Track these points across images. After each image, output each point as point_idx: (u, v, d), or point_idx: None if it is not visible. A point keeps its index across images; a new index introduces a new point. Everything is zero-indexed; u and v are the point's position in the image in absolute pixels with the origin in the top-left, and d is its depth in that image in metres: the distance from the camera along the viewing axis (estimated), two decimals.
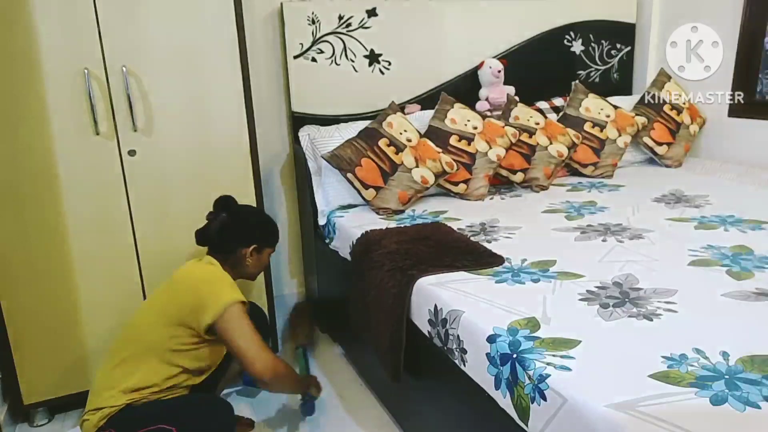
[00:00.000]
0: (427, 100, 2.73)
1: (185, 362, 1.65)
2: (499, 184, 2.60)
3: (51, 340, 1.98)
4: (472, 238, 1.86)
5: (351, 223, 2.13)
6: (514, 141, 2.52)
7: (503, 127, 2.51)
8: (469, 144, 2.44)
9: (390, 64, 2.67)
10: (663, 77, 2.98)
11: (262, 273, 2.26)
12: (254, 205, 2.19)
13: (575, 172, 2.73)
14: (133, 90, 1.94)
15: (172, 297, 1.67)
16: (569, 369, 1.09)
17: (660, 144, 2.83)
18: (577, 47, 3.04)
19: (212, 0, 1.98)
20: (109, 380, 1.61)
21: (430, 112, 2.56)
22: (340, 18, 2.54)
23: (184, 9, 1.96)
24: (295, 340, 2.48)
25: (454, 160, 2.38)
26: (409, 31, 2.68)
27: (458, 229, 1.97)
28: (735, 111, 2.79)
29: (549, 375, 1.08)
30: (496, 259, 1.66)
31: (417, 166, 2.30)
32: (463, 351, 1.34)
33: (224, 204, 1.87)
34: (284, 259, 2.82)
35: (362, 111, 2.66)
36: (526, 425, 1.12)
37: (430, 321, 1.49)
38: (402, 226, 2.03)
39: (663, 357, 1.11)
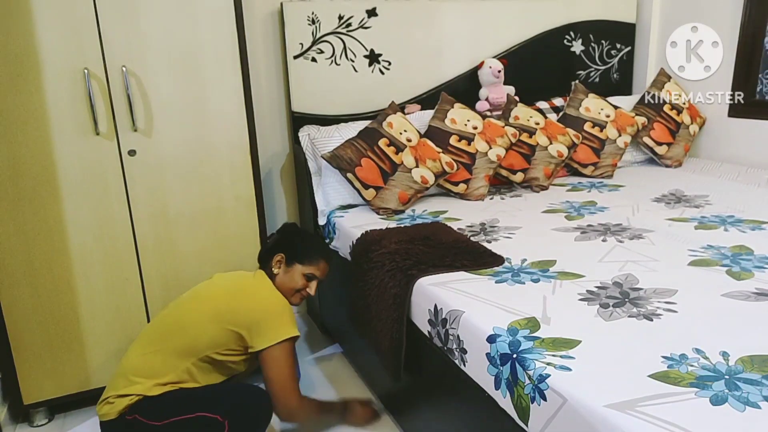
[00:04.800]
0: (427, 100, 2.73)
1: (222, 365, 1.70)
2: (499, 184, 2.60)
3: (51, 340, 1.98)
4: (472, 238, 1.86)
5: (351, 223, 2.13)
6: (514, 141, 2.52)
7: (503, 127, 2.51)
8: (469, 144, 2.43)
9: (390, 64, 2.67)
10: (663, 77, 2.98)
11: None
12: (253, 205, 2.20)
13: (575, 172, 2.73)
14: (133, 90, 1.94)
15: (231, 306, 1.71)
16: (569, 369, 1.09)
17: (660, 144, 2.83)
18: (577, 47, 3.04)
19: (212, 0, 1.98)
20: (144, 368, 1.63)
21: (430, 112, 2.56)
22: (340, 18, 2.54)
23: (184, 9, 1.96)
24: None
25: (454, 160, 2.38)
26: (409, 31, 2.68)
27: (458, 229, 1.97)
28: (735, 111, 2.79)
29: (549, 375, 1.08)
30: (496, 259, 1.66)
31: (417, 166, 2.30)
32: (463, 351, 1.34)
33: (284, 227, 2.05)
34: None
35: (362, 111, 2.66)
36: (526, 425, 1.12)
37: (430, 321, 1.49)
38: (402, 226, 2.03)
39: (663, 357, 1.11)
